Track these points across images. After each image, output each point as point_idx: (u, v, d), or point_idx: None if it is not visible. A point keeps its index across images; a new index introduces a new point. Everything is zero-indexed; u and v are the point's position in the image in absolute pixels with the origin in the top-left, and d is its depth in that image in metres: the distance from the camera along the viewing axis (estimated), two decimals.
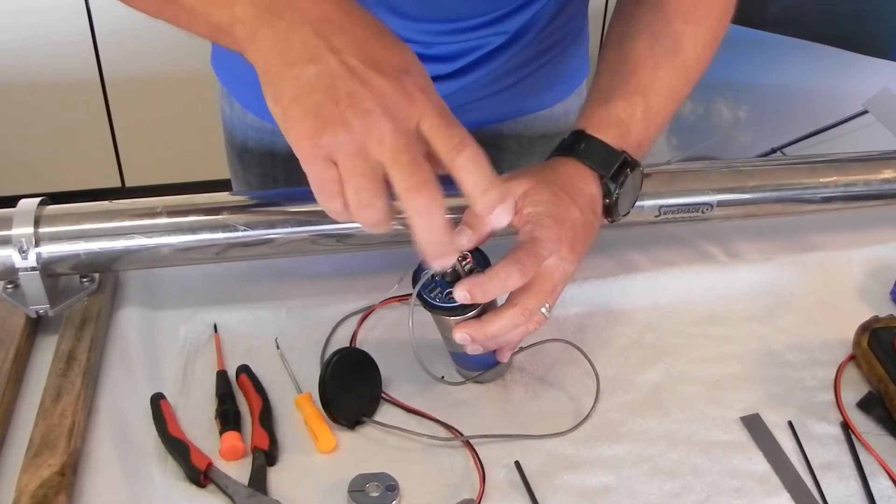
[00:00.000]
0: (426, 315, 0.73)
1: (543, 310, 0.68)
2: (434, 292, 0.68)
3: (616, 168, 0.75)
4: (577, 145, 0.76)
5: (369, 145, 0.54)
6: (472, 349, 0.70)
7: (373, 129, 0.54)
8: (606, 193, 0.75)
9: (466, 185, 0.57)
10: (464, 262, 0.68)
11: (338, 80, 0.54)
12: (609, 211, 0.76)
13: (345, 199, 0.56)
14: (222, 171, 1.13)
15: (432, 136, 0.56)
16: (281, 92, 0.56)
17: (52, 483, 0.65)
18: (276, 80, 0.56)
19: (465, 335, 0.68)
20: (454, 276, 0.68)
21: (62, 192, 2.53)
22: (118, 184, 2.71)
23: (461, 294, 0.66)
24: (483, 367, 0.77)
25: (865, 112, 1.71)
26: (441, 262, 0.60)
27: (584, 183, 0.74)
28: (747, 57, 1.82)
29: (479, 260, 0.69)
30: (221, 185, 1.08)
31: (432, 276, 0.68)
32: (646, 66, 0.78)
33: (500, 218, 0.59)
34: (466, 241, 0.67)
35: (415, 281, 0.69)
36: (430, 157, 0.57)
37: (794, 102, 1.82)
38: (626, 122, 0.76)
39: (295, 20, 0.56)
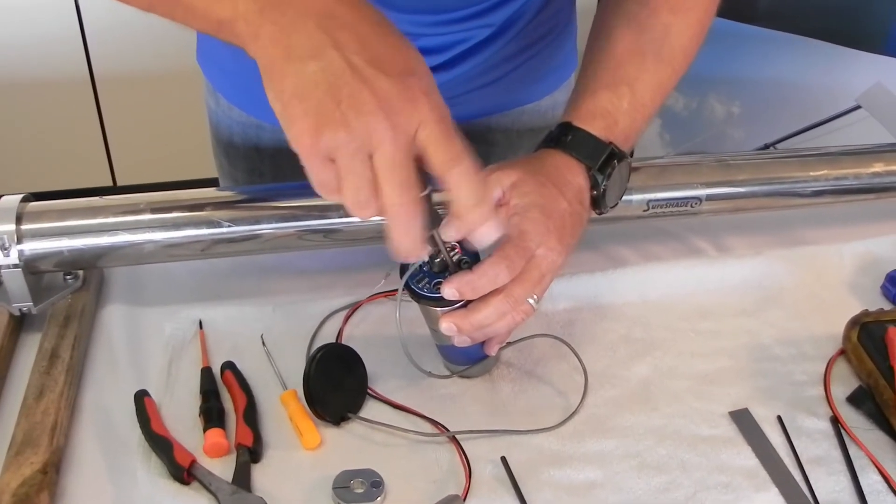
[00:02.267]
0: (413, 310, 0.72)
1: (531, 300, 0.68)
2: (422, 283, 0.68)
3: (603, 160, 0.74)
4: (564, 137, 0.75)
5: (369, 148, 0.54)
6: (460, 340, 0.69)
7: (373, 134, 0.54)
8: (594, 185, 0.75)
9: (458, 200, 0.59)
10: (452, 253, 0.67)
11: (340, 79, 0.54)
12: (596, 202, 0.76)
13: (341, 195, 0.57)
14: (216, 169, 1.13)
15: (429, 146, 0.56)
16: (282, 88, 0.55)
17: (34, 481, 0.65)
18: (277, 76, 0.55)
19: (451, 325, 0.68)
20: (442, 267, 0.68)
21: (53, 191, 2.52)
22: (109, 182, 2.70)
23: (450, 292, 0.66)
24: (470, 360, 0.76)
25: (858, 107, 1.71)
26: (408, 259, 0.62)
27: (572, 174, 0.73)
28: (740, 52, 1.82)
29: (466, 249, 0.68)
30: (215, 184, 1.07)
31: (420, 266, 0.68)
32: (633, 57, 0.77)
33: (488, 235, 0.62)
34: (454, 232, 0.67)
35: (402, 271, 0.68)
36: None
37: (787, 98, 1.81)
38: (612, 114, 0.75)
39: (298, 16, 0.55)
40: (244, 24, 0.57)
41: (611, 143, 0.75)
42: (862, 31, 1.72)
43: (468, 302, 0.68)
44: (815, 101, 1.77)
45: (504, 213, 0.71)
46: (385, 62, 0.55)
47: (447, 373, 0.78)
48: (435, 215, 0.62)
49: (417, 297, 0.68)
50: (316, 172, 0.56)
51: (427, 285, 0.68)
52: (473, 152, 0.58)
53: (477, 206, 0.59)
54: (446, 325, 0.68)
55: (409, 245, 0.59)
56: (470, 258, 0.68)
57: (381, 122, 0.54)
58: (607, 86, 0.76)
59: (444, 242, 0.68)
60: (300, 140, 0.55)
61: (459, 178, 0.58)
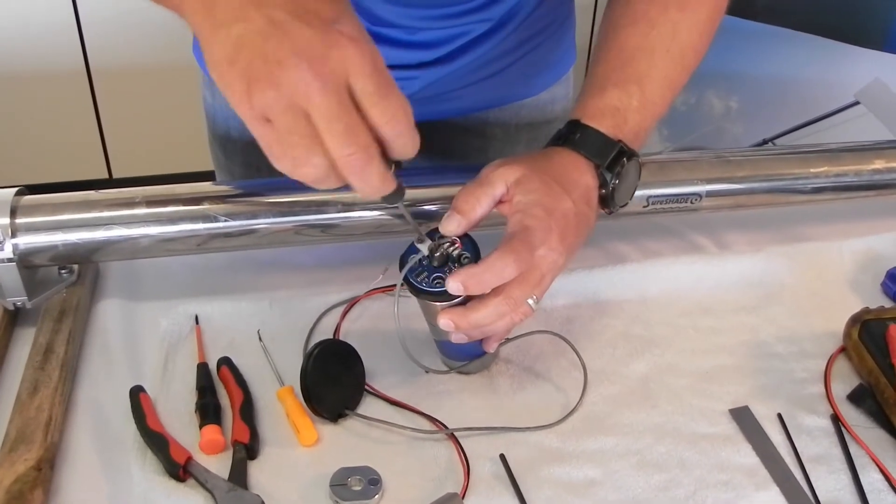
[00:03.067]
0: (410, 306, 0.72)
1: (531, 301, 0.67)
2: (421, 276, 0.68)
3: (612, 158, 0.73)
4: (572, 135, 0.75)
5: (299, 102, 0.53)
6: (457, 338, 0.69)
7: (299, 85, 0.52)
8: (602, 184, 0.74)
9: (394, 153, 0.56)
10: (452, 248, 0.67)
11: (262, 36, 0.53)
12: (605, 201, 0.75)
13: None
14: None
15: (364, 102, 0.54)
16: (215, 57, 0.54)
17: (28, 478, 0.64)
18: (207, 45, 0.55)
19: (449, 322, 0.67)
20: (442, 261, 0.67)
21: (48, 183, 2.52)
22: (105, 175, 2.69)
23: (455, 286, 0.65)
24: (469, 356, 0.76)
25: (857, 103, 1.71)
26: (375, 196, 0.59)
27: (579, 173, 0.73)
28: (739, 47, 1.81)
29: (468, 246, 0.68)
30: (211, 177, 1.06)
31: (420, 260, 0.67)
32: (642, 54, 0.77)
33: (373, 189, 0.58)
34: (455, 226, 0.67)
35: (402, 265, 0.68)
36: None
37: (786, 93, 1.81)
38: (622, 112, 0.75)
39: None
40: None
41: (620, 140, 0.74)
42: (861, 27, 1.71)
43: (468, 297, 0.67)
44: (813, 96, 1.77)
45: (507, 210, 0.70)
46: (308, 13, 0.54)
47: (445, 368, 0.78)
48: (399, 187, 0.60)
49: (417, 290, 0.68)
50: (260, 136, 0.55)
51: (426, 279, 0.68)
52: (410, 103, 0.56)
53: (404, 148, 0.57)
54: (444, 322, 0.67)
55: (373, 188, 0.57)
56: (470, 253, 0.68)
57: (304, 72, 0.52)
58: (616, 83, 0.76)
59: (443, 237, 0.67)
60: (239, 106, 0.54)
61: (395, 136, 0.55)
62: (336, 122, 0.53)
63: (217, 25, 0.54)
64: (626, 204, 0.78)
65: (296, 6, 0.54)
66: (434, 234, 0.68)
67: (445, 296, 0.67)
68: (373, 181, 0.56)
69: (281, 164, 0.56)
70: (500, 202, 0.71)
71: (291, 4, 0.54)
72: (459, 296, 0.67)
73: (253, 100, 0.53)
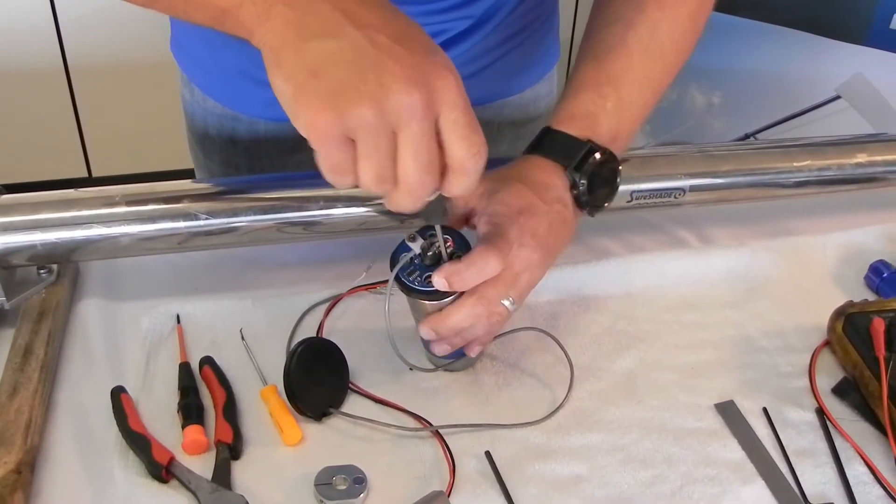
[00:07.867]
0: (395, 303, 0.71)
1: (506, 302, 0.67)
2: (413, 275, 0.67)
3: (580, 158, 0.73)
4: (541, 142, 0.75)
5: (395, 126, 0.52)
6: (440, 349, 0.69)
7: (403, 109, 0.52)
8: (573, 184, 0.73)
9: (454, 189, 0.57)
10: (445, 245, 0.67)
11: (363, 56, 0.52)
12: (580, 202, 0.74)
13: (357, 176, 0.55)
14: None
15: (453, 134, 0.54)
16: (295, 67, 0.53)
17: (7, 481, 0.63)
18: (289, 56, 0.53)
19: (430, 330, 0.67)
20: (434, 260, 0.67)
21: (27, 182, 2.49)
22: (84, 174, 2.67)
23: (439, 281, 0.65)
24: (455, 355, 0.75)
25: (838, 97, 1.71)
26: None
27: (547, 175, 0.73)
28: (720, 42, 1.82)
29: (459, 243, 0.68)
30: (192, 175, 1.05)
31: (411, 258, 0.67)
32: (617, 55, 0.76)
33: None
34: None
35: (393, 263, 0.67)
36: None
37: (768, 88, 1.81)
38: (594, 114, 0.74)
39: None
40: (250, 8, 0.55)
41: (589, 140, 0.74)
42: (843, 21, 1.72)
43: (459, 296, 0.67)
44: (795, 91, 1.78)
45: (476, 219, 0.70)
46: (408, 39, 0.53)
47: (431, 366, 0.77)
48: (444, 210, 0.61)
49: (408, 289, 0.67)
50: (332, 154, 0.54)
51: (418, 278, 0.67)
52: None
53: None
54: (425, 331, 0.68)
55: (409, 208, 0.57)
56: (461, 250, 0.67)
57: (411, 95, 0.52)
58: (591, 86, 0.75)
59: (435, 235, 0.67)
60: (316, 121, 0.52)
61: (473, 171, 0.56)
62: (424, 150, 0.54)
63: (306, 36, 0.53)
64: (606, 206, 0.77)
65: (396, 30, 0.53)
66: (426, 232, 0.68)
67: (436, 295, 0.66)
68: (412, 204, 0.56)
69: (344, 181, 0.55)
70: (468, 218, 0.71)
71: (392, 28, 0.53)
72: (449, 295, 0.66)
73: (346, 118, 0.52)
